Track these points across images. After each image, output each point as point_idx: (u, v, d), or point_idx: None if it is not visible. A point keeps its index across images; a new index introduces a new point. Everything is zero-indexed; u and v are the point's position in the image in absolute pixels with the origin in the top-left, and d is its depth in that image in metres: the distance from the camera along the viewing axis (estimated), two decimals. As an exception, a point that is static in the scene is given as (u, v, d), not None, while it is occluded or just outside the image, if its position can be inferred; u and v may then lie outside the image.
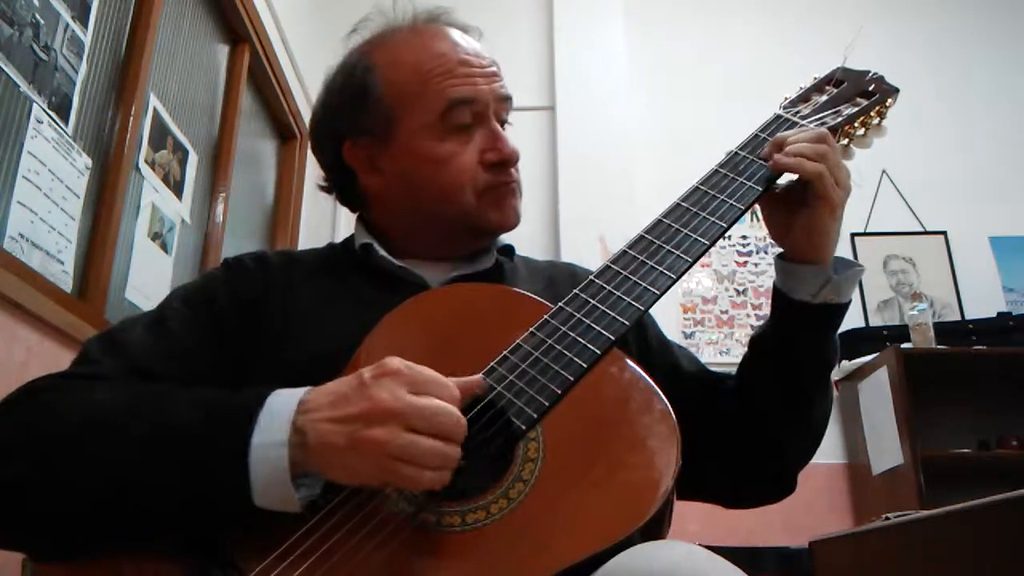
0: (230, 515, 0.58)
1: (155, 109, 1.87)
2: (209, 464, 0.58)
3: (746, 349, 0.85)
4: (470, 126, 0.83)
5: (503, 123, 0.87)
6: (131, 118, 1.71)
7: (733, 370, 0.88)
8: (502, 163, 0.84)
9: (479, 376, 0.64)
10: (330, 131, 0.89)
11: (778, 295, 0.80)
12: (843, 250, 3.05)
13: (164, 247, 1.93)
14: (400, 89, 0.84)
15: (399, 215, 0.88)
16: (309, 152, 3.01)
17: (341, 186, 0.92)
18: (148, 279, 1.83)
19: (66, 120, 1.49)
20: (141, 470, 0.59)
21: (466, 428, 0.57)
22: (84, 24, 1.55)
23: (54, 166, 1.44)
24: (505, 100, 0.87)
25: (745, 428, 0.81)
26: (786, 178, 0.79)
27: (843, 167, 0.77)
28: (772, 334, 0.81)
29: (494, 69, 0.87)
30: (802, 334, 0.79)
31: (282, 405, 0.59)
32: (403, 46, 0.87)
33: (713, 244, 0.74)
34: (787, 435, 0.82)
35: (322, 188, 0.96)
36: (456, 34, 0.88)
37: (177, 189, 2.00)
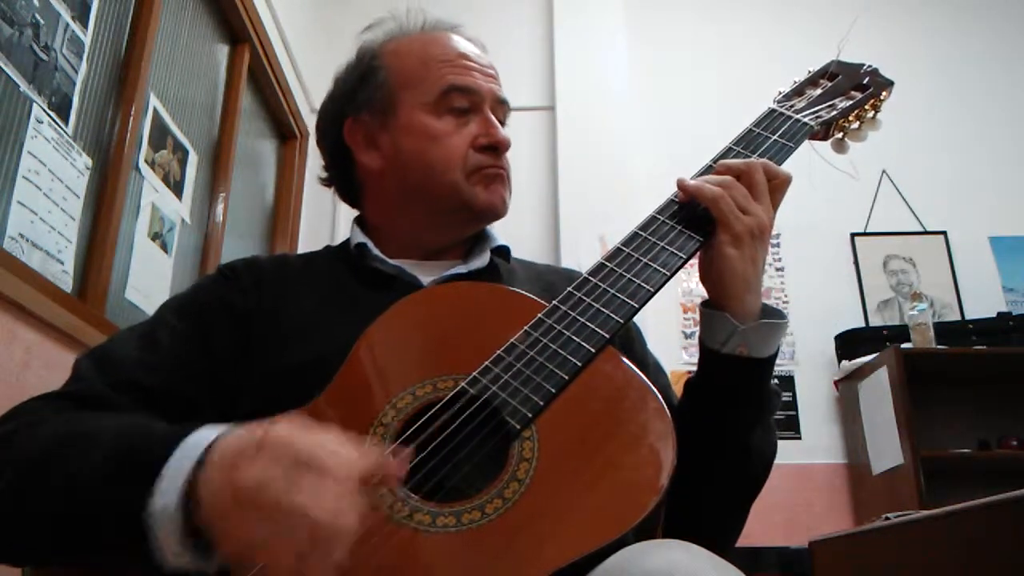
0: (157, 570, 0.55)
1: (155, 109, 1.87)
2: (117, 529, 0.56)
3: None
4: (467, 112, 0.87)
5: (499, 123, 0.90)
6: (131, 118, 1.71)
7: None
8: (493, 147, 0.87)
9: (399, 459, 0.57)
10: (334, 114, 0.93)
11: (700, 340, 0.77)
12: (843, 250, 3.12)
13: (164, 247, 1.93)
14: (403, 72, 0.89)
15: (391, 200, 0.90)
16: (309, 152, 3.04)
17: (339, 171, 0.94)
18: (148, 279, 1.83)
19: (66, 120, 1.49)
20: (64, 529, 0.58)
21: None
22: (84, 24, 1.55)
23: (54, 166, 1.44)
24: (502, 103, 0.90)
25: (683, 466, 0.76)
26: None
27: (752, 202, 0.72)
28: (697, 382, 0.77)
29: (493, 72, 0.91)
30: (720, 385, 0.75)
31: (179, 464, 0.54)
32: (410, 40, 0.92)
33: (708, 240, 0.73)
34: (715, 479, 0.76)
35: (322, 181, 0.98)
36: (461, 38, 0.93)
37: (177, 189, 2.01)
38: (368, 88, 0.89)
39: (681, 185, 0.76)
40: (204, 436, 0.56)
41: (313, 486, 0.49)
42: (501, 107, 0.90)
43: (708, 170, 0.78)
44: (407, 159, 0.87)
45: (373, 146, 0.89)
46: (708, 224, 0.73)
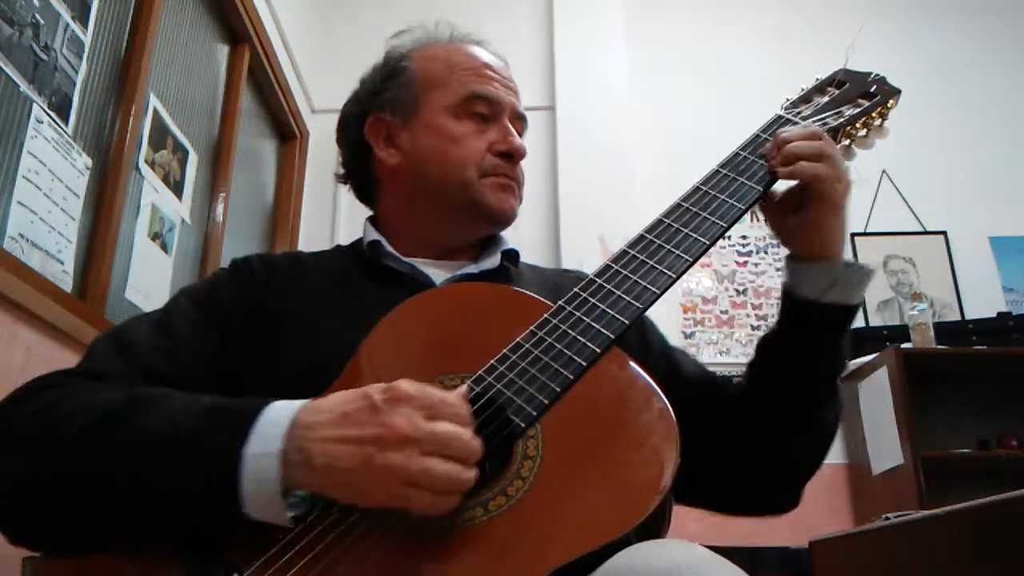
0: (223, 521, 0.58)
1: (155, 109, 1.87)
2: (202, 470, 0.58)
3: (752, 351, 0.84)
4: (487, 119, 0.90)
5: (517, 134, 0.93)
6: (131, 118, 1.71)
7: (733, 370, 0.88)
8: (509, 154, 0.89)
9: (464, 387, 0.63)
10: (358, 109, 0.96)
11: (786, 294, 0.80)
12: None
13: (164, 247, 1.93)
14: (429, 75, 0.92)
15: (405, 198, 0.92)
16: (309, 152, 3.04)
17: (357, 168, 0.97)
18: (148, 279, 1.83)
19: (66, 120, 1.49)
20: (137, 473, 0.59)
21: (482, 448, 0.57)
22: (84, 24, 1.55)
23: (54, 166, 1.44)
24: (520, 117, 0.94)
25: (747, 435, 0.80)
26: (784, 183, 0.79)
27: (840, 162, 0.76)
28: (779, 335, 0.80)
29: (514, 87, 0.95)
30: (811, 336, 0.78)
31: (277, 417, 0.58)
32: (437, 48, 0.95)
33: (713, 244, 0.74)
34: (791, 442, 0.80)
35: (338, 178, 1.00)
36: (486, 51, 0.96)
37: (177, 189, 2.00)
38: (393, 87, 0.93)
39: (777, 170, 0.77)
40: (285, 403, 0.60)
41: (452, 411, 0.57)
42: (519, 121, 0.94)
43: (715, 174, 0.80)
44: (424, 156, 0.89)
45: (392, 143, 0.92)
46: (714, 226, 0.74)
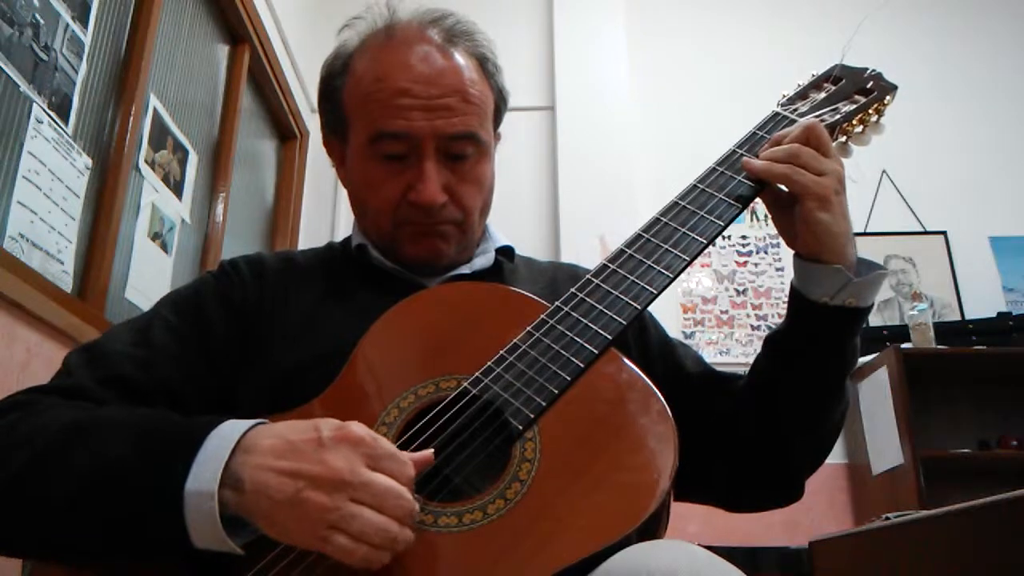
0: (175, 553, 0.57)
1: (155, 109, 1.87)
2: (145, 510, 0.56)
3: (752, 351, 0.82)
4: (405, 157, 0.80)
5: (458, 156, 0.81)
6: (131, 118, 1.71)
7: (733, 370, 0.88)
8: (419, 206, 0.80)
9: (430, 452, 0.60)
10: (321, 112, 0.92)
11: (795, 295, 0.77)
12: (843, 250, 3.11)
13: (164, 247, 1.93)
14: (354, 102, 0.84)
15: None
16: (309, 152, 3.04)
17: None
18: (148, 279, 1.83)
19: (66, 120, 1.49)
20: (82, 512, 0.58)
21: (416, 512, 0.55)
22: (84, 24, 1.55)
23: (54, 166, 1.44)
24: (453, 138, 0.80)
25: (753, 431, 0.79)
26: None
27: (824, 159, 0.74)
28: (788, 335, 0.78)
29: (449, 101, 0.79)
30: (820, 337, 0.75)
31: (218, 446, 0.57)
32: (368, 56, 0.84)
33: (711, 243, 0.74)
34: (797, 440, 0.79)
35: None
36: (422, 54, 0.81)
37: (177, 189, 2.00)
38: (329, 112, 0.88)
39: (747, 165, 0.77)
40: (236, 426, 0.58)
41: (396, 468, 0.55)
42: (454, 143, 0.80)
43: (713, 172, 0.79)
44: (353, 192, 0.87)
45: (342, 166, 0.90)
46: (712, 225, 0.74)
